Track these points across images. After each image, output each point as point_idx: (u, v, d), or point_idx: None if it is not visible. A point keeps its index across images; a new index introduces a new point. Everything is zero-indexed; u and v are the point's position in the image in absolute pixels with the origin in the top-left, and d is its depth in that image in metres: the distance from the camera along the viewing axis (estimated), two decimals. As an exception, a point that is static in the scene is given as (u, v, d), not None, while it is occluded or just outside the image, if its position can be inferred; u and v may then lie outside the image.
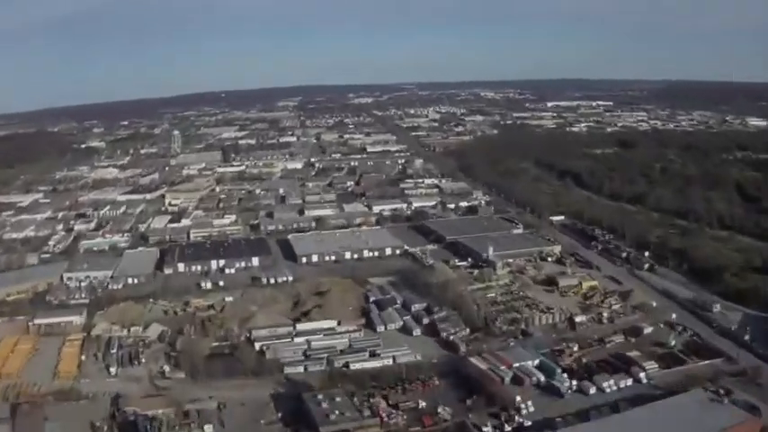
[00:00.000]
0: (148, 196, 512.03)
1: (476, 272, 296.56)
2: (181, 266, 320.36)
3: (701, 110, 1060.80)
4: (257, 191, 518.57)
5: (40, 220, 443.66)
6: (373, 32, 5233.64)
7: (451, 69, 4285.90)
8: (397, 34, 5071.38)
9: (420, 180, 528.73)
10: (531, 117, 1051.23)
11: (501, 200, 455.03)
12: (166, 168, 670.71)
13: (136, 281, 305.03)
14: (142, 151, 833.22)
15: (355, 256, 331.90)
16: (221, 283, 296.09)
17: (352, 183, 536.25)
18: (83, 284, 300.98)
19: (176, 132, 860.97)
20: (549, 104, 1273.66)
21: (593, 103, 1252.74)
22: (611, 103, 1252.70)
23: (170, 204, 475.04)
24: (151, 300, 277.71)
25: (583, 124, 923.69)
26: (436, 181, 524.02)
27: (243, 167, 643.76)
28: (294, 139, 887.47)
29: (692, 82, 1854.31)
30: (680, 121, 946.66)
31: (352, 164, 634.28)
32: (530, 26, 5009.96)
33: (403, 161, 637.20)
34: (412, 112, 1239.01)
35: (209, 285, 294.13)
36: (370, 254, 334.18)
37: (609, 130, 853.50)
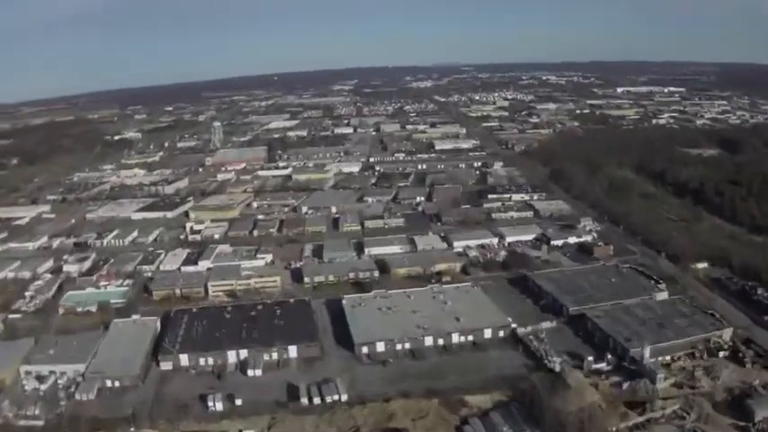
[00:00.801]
0: (169, 215, 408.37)
1: (625, 385, 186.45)
2: (184, 359, 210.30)
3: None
4: (304, 209, 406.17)
5: (30, 250, 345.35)
6: (430, 13, 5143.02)
7: (509, 50, 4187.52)
8: (454, 15, 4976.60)
9: (506, 195, 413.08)
10: (606, 105, 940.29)
11: (615, 230, 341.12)
12: (200, 169, 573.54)
13: (117, 384, 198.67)
14: (179, 144, 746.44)
15: (440, 341, 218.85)
16: (239, 401, 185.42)
17: (421, 198, 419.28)
18: (43, 387, 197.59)
19: (217, 124, 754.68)
20: (620, 90, 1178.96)
21: (665, 90, 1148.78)
22: (683, 89, 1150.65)
23: (192, 230, 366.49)
24: (132, 429, 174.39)
25: (666, 115, 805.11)
26: (527, 197, 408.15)
27: (289, 170, 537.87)
28: (350, 130, 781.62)
29: (747, 65, 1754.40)
30: (766, 111, 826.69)
31: (420, 167, 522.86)
32: (587, 7, 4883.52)
33: (479, 164, 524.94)
34: (477, 98, 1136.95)
35: (219, 406, 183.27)
36: (462, 338, 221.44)
37: (698, 123, 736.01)
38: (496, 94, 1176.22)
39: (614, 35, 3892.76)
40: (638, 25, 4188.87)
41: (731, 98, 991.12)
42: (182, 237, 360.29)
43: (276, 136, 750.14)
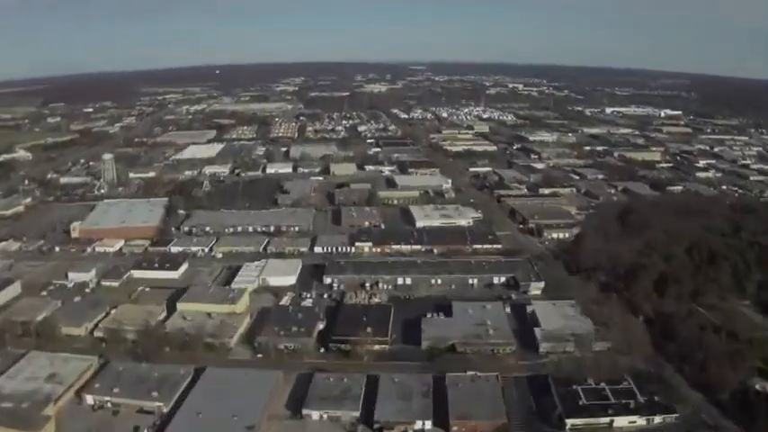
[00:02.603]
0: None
1: None
2: None
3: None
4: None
5: None
6: (378, 8, 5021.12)
7: (458, 48, 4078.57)
8: (402, 9, 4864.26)
9: (603, 420, 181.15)
10: (609, 135, 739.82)
11: None
12: (57, 248, 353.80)
13: None
14: (63, 179, 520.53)
15: None
16: None
17: (426, 423, 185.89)
18: None
19: (108, 157, 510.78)
20: (609, 111, 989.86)
21: (661, 113, 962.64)
22: (680, 113, 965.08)
23: None
24: None
25: (703, 162, 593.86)
26: (642, 423, 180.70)
27: (183, 269, 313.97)
28: (289, 168, 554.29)
29: (715, 78, 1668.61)
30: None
31: (402, 281, 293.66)
32: (542, 9, 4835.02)
33: (501, 280, 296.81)
34: (444, 115, 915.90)
35: None
36: None
37: (752, 179, 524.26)
38: (467, 111, 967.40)
39: (573, 38, 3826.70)
40: (599, 29, 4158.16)
41: (745, 129, 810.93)
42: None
43: (188, 174, 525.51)
